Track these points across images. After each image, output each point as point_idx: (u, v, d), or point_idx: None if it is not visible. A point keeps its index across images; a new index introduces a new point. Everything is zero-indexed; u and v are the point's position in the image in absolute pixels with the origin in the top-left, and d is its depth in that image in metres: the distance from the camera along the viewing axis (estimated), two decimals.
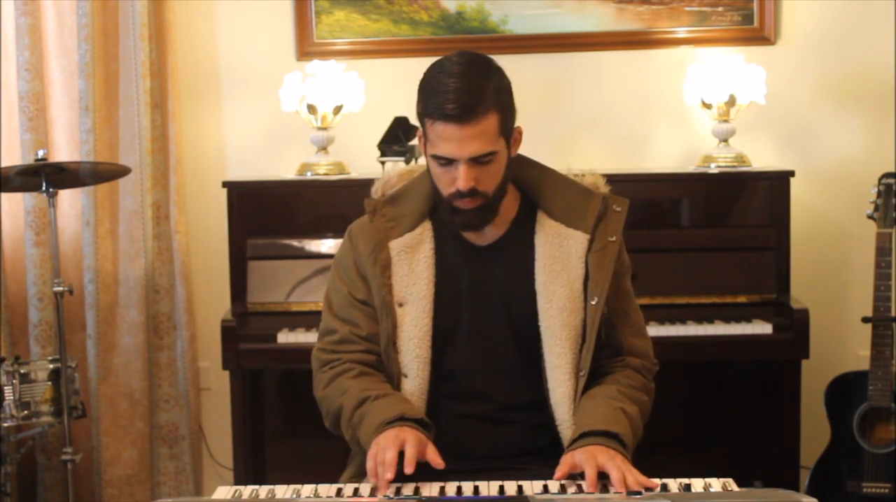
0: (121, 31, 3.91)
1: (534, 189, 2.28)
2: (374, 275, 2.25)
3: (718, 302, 3.53)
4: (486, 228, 2.24)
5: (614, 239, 2.24)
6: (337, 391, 2.25)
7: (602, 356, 2.26)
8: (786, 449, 3.50)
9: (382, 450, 2.03)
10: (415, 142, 3.54)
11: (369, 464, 2.05)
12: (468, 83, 2.09)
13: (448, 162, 2.12)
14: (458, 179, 2.12)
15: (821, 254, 3.97)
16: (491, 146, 2.12)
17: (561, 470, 2.04)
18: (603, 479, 2.00)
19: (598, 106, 4.02)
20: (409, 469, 2.00)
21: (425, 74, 2.18)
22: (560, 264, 2.23)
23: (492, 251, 2.27)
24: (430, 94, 2.12)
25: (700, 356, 3.48)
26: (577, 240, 2.23)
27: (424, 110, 2.14)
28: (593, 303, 2.20)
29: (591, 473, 1.99)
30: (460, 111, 2.07)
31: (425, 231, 2.27)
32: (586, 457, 2.02)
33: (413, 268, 2.24)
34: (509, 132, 2.17)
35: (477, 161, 2.11)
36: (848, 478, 3.44)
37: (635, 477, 1.98)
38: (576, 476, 2.04)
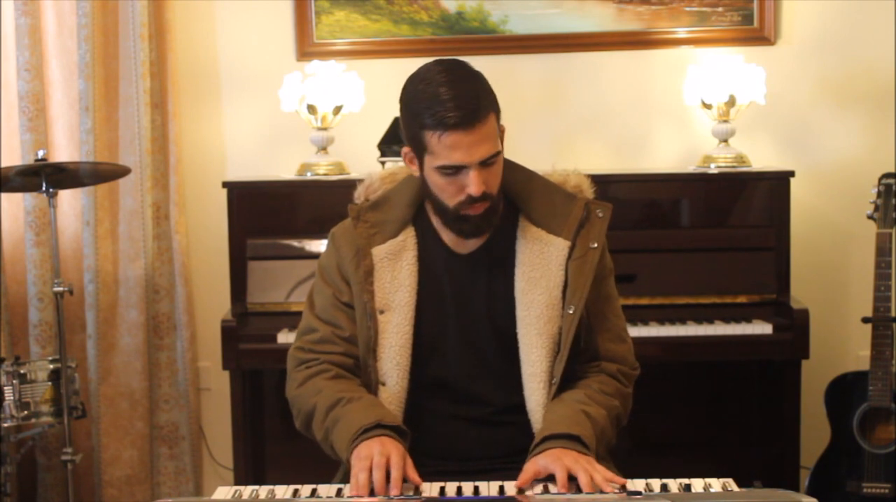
0: (121, 31, 3.91)
1: (516, 193, 2.25)
2: (356, 280, 2.23)
3: (718, 302, 3.53)
4: None
5: (596, 245, 2.21)
6: (311, 391, 2.23)
7: (578, 361, 2.23)
8: (786, 449, 3.49)
9: (365, 470, 1.97)
10: None
11: (353, 482, 1.98)
12: (463, 88, 2.07)
13: (456, 170, 2.09)
14: (470, 185, 2.09)
15: (821, 254, 3.97)
16: (496, 146, 2.11)
17: (524, 477, 1.99)
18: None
19: (598, 106, 4.02)
20: (395, 491, 1.95)
21: (408, 90, 2.14)
22: (539, 271, 2.20)
23: (474, 258, 2.24)
24: (425, 107, 2.07)
25: (700, 356, 3.47)
26: (557, 247, 2.20)
27: (422, 125, 2.08)
28: (570, 311, 2.17)
29: (561, 475, 1.96)
30: (464, 117, 2.05)
31: (408, 238, 2.24)
32: (552, 460, 1.99)
33: (396, 276, 2.22)
34: (500, 130, 2.17)
35: (485, 163, 2.09)
36: (848, 478, 3.44)
37: (603, 476, 1.95)
38: (543, 480, 2.00)
